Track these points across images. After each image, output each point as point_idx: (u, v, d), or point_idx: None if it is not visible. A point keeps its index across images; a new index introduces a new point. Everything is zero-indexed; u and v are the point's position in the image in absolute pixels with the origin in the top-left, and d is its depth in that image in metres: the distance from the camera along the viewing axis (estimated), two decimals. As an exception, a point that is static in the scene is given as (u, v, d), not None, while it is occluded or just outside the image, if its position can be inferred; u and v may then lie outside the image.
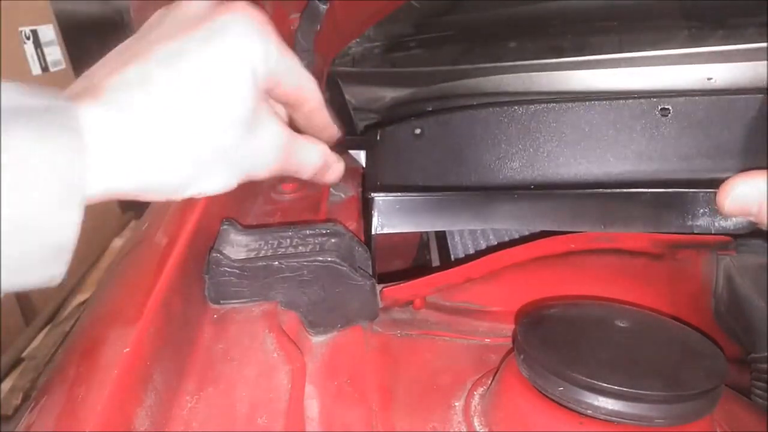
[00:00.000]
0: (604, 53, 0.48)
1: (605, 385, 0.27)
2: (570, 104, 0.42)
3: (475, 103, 0.48)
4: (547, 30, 0.64)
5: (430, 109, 0.51)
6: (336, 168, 0.36)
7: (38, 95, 0.24)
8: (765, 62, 0.43)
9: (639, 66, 0.46)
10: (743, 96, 0.40)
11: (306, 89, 0.33)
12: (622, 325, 0.32)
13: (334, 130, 0.37)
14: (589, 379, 0.27)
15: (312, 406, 0.32)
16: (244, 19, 0.28)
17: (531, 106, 0.43)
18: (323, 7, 0.47)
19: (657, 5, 0.62)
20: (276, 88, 0.31)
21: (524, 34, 0.63)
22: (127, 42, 0.29)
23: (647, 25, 0.59)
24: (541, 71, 0.50)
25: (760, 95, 0.39)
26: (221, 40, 0.28)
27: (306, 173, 0.34)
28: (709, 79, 0.44)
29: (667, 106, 0.40)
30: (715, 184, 0.28)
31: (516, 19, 0.68)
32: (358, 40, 0.69)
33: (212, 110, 0.27)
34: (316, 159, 0.34)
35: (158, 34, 0.28)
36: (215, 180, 0.29)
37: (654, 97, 0.42)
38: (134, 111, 0.25)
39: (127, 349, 0.28)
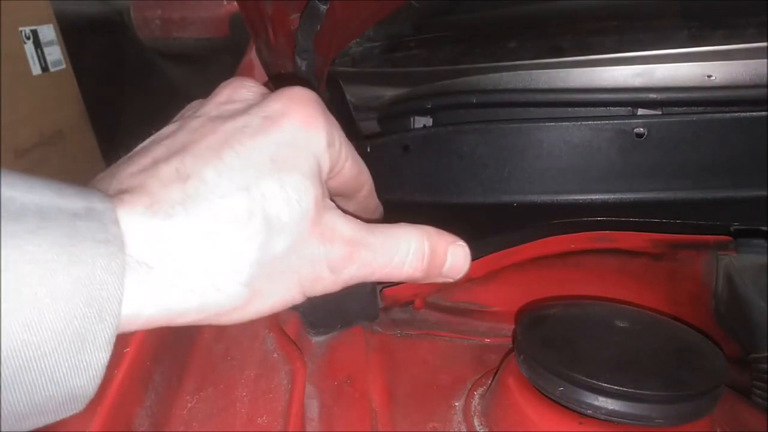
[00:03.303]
0: (604, 53, 0.48)
1: (605, 385, 0.27)
2: (547, 124, 0.43)
3: (474, 100, 0.48)
4: (547, 30, 0.64)
5: (429, 105, 0.51)
6: (455, 255, 0.27)
7: (70, 193, 0.19)
8: (765, 60, 0.43)
9: (639, 64, 0.46)
10: (726, 115, 0.40)
11: (364, 174, 0.28)
12: (622, 325, 0.32)
13: (381, 210, 0.32)
14: (589, 379, 0.27)
15: (312, 406, 0.32)
16: (304, 101, 0.24)
17: (508, 125, 0.43)
18: (323, 7, 0.47)
19: (657, 5, 0.62)
20: (336, 177, 0.26)
21: (524, 34, 0.62)
22: (161, 131, 0.25)
23: (647, 25, 0.59)
24: (541, 71, 0.50)
25: (742, 114, 0.39)
26: (279, 128, 0.23)
27: (404, 271, 0.26)
28: (708, 76, 0.44)
29: (641, 130, 0.40)
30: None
31: (516, 19, 0.68)
32: (358, 40, 0.69)
33: (275, 209, 0.22)
34: (414, 248, 0.26)
35: (201, 121, 0.24)
36: (276, 295, 0.23)
37: (629, 118, 0.42)
38: (179, 217, 0.20)
39: (127, 349, 0.28)
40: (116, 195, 0.20)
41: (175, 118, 0.26)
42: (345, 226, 0.24)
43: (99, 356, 0.18)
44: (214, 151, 0.22)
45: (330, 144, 0.24)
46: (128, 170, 0.22)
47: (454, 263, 0.27)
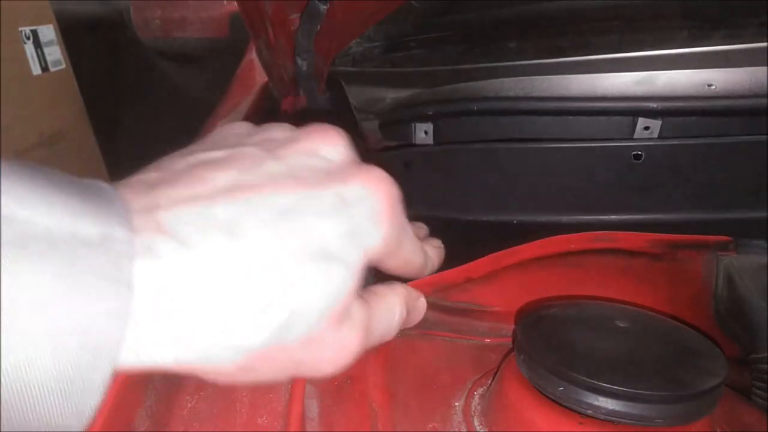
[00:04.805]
0: (604, 53, 0.48)
1: (605, 385, 0.27)
2: (547, 146, 0.43)
3: (475, 108, 0.48)
4: (547, 30, 0.64)
5: (430, 112, 0.51)
6: (416, 309, 0.29)
7: (90, 212, 0.17)
8: (764, 68, 0.43)
9: (639, 68, 0.46)
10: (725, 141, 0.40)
11: (410, 267, 0.27)
12: (622, 325, 0.32)
13: (430, 265, 0.30)
14: (589, 379, 0.27)
15: (312, 406, 0.32)
16: (378, 193, 0.23)
17: (509, 146, 0.44)
18: (323, 7, 0.47)
19: (657, 5, 0.62)
20: (379, 262, 0.25)
21: (524, 34, 0.63)
22: (209, 152, 0.22)
23: (647, 25, 0.59)
24: (542, 71, 0.50)
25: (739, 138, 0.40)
26: (349, 216, 0.21)
27: (391, 335, 0.27)
28: (709, 85, 0.44)
29: (639, 153, 0.40)
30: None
31: (516, 19, 0.68)
32: (358, 40, 0.69)
33: (303, 298, 0.20)
34: (399, 316, 0.27)
35: (261, 163, 0.22)
36: (265, 375, 0.22)
37: (627, 141, 0.42)
38: (202, 269, 0.19)
39: (127, 349, 0.28)
40: (145, 226, 0.19)
41: (216, 135, 0.24)
42: (359, 310, 0.24)
43: (89, 400, 0.17)
44: (271, 215, 0.20)
45: (386, 243, 0.23)
46: (170, 194, 0.20)
47: (415, 317, 0.30)
